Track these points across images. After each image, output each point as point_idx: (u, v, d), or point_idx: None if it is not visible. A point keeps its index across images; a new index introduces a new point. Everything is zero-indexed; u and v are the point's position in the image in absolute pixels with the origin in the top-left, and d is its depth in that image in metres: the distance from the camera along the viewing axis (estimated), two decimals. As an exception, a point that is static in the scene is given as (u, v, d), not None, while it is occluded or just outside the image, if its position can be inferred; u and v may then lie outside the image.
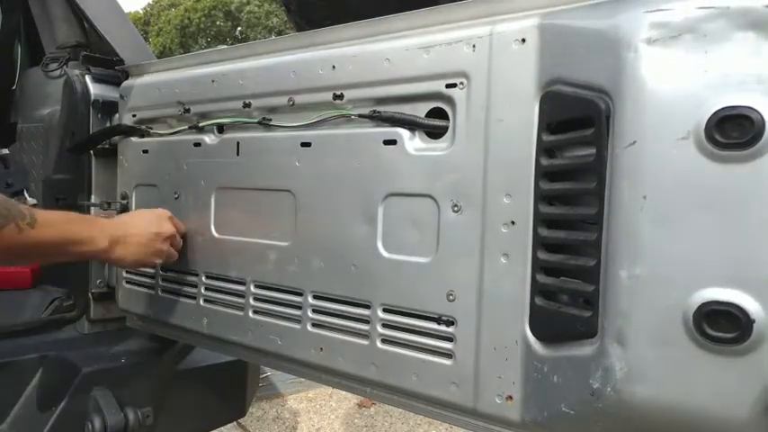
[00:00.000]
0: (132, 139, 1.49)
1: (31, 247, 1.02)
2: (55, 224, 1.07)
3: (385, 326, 1.02)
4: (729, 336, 0.66)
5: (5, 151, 2.00)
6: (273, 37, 1.27)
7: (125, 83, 1.52)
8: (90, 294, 1.61)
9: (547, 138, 0.83)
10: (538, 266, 0.84)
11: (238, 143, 1.25)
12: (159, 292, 1.43)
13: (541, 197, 0.83)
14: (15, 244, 0.99)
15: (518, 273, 0.86)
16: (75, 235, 1.12)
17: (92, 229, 1.16)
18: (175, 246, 1.33)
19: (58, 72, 1.74)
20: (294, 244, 1.15)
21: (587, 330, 0.77)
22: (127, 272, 1.52)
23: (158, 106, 1.42)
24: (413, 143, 0.99)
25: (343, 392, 3.50)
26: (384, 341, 1.02)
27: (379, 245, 1.02)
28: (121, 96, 1.52)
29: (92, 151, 1.59)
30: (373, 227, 1.03)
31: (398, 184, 1.00)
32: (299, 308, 1.14)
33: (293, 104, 1.14)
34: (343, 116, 1.07)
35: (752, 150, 0.64)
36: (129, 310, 1.55)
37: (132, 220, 1.29)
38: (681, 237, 0.68)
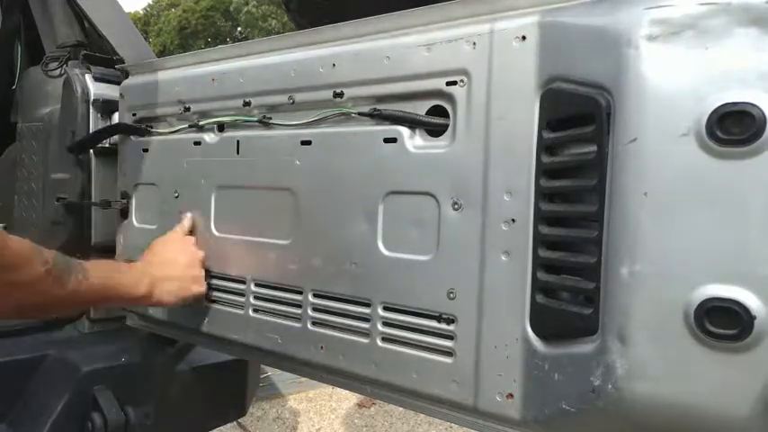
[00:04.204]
0: (132, 138, 1.49)
1: (84, 298, 1.06)
2: (103, 275, 1.10)
3: (385, 324, 1.02)
4: (730, 332, 0.66)
5: None
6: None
7: (125, 82, 1.52)
8: (90, 293, 1.61)
9: (547, 135, 0.83)
10: (538, 264, 0.84)
11: (238, 142, 1.25)
12: (159, 291, 1.43)
13: (542, 194, 0.83)
14: (75, 295, 1.03)
15: (518, 270, 0.86)
16: (118, 284, 1.13)
17: (133, 275, 1.17)
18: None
19: (57, 71, 1.74)
20: (294, 242, 1.15)
21: (588, 327, 0.77)
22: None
23: (158, 105, 1.42)
24: (413, 141, 0.99)
25: (344, 392, 3.50)
26: (384, 339, 1.02)
27: (380, 243, 1.02)
28: (121, 95, 1.52)
29: (92, 150, 1.59)
30: (373, 225, 1.03)
31: (399, 182, 1.00)
32: (300, 306, 1.14)
33: (293, 103, 1.14)
34: (343, 114, 1.07)
35: (753, 147, 0.64)
36: (129, 309, 1.55)
37: (164, 254, 1.26)
38: (682, 233, 0.68)
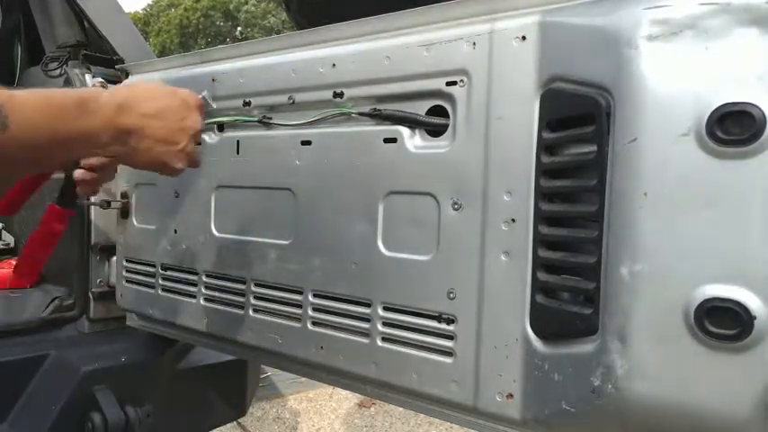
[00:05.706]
0: (132, 137, 1.48)
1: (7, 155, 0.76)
2: (37, 121, 0.77)
3: (385, 324, 1.02)
4: (730, 332, 0.66)
5: None
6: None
7: (125, 82, 1.52)
8: (90, 293, 1.61)
9: (547, 135, 0.83)
10: (538, 264, 0.84)
11: (238, 142, 1.25)
12: (159, 291, 1.43)
13: (542, 194, 0.83)
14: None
15: (518, 270, 0.86)
16: (67, 130, 0.81)
17: (92, 118, 0.84)
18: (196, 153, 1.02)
19: (58, 71, 1.74)
20: (294, 242, 1.15)
21: (588, 328, 0.77)
22: (127, 271, 1.52)
23: (158, 105, 1.41)
24: (413, 141, 0.99)
25: (344, 392, 3.51)
26: (384, 339, 1.02)
27: (380, 243, 1.02)
28: (121, 95, 1.51)
29: (92, 150, 1.58)
30: (374, 225, 1.03)
31: (399, 182, 1.00)
32: (300, 306, 1.14)
33: (293, 103, 1.14)
34: (343, 114, 1.07)
35: (753, 146, 0.64)
36: (129, 309, 1.55)
37: (151, 102, 0.91)
38: (682, 233, 0.68)
